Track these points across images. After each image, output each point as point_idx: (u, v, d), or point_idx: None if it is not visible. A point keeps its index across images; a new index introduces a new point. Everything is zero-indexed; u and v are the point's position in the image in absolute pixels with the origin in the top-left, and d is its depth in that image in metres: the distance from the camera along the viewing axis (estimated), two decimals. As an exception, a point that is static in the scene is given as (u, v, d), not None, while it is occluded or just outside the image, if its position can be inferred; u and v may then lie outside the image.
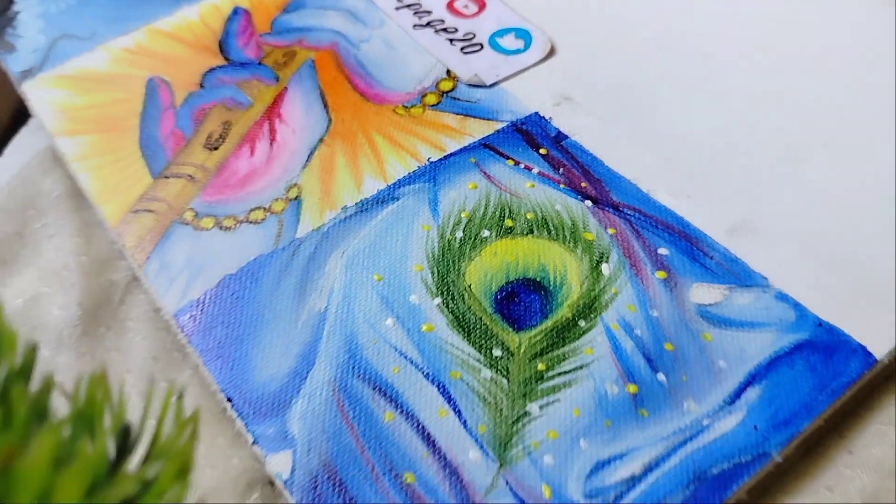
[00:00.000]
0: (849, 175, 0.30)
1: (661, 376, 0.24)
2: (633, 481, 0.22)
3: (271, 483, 0.24)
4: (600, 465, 0.23)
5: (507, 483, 0.23)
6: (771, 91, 0.33)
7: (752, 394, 0.24)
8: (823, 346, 0.25)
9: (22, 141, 0.35)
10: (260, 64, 0.35)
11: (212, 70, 0.35)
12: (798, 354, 0.25)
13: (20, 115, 0.38)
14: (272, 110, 0.33)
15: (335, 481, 0.23)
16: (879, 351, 0.25)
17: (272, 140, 0.32)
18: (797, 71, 0.33)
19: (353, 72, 0.35)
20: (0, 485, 0.13)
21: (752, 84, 0.33)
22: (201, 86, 0.35)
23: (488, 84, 0.34)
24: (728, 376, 0.24)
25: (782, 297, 0.26)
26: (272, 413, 0.24)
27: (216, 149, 0.32)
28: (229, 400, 0.25)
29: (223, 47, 0.36)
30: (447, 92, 0.34)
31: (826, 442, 0.24)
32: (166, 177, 0.31)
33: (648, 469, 0.23)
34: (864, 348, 0.25)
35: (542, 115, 0.32)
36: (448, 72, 0.34)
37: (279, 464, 0.23)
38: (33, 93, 0.35)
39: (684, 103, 0.33)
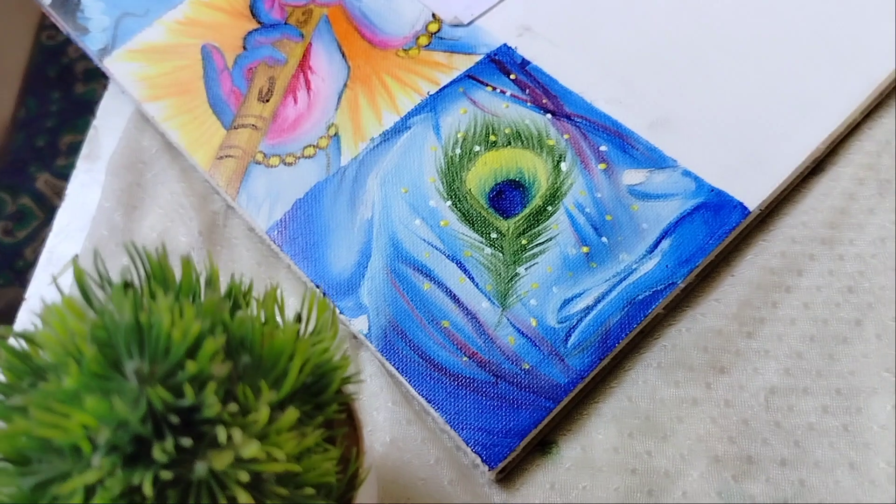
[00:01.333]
0: (737, 72, 0.40)
1: (604, 239, 0.36)
2: (587, 310, 0.35)
3: (354, 336, 0.37)
4: (566, 302, 0.35)
5: (507, 320, 0.35)
6: (685, 9, 0.42)
7: (665, 244, 0.36)
8: (714, 205, 0.36)
9: (109, 105, 0.45)
10: (286, 24, 0.45)
11: (250, 33, 0.45)
12: (696, 213, 0.36)
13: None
14: (304, 64, 0.43)
15: (398, 331, 0.35)
16: (752, 204, 0.36)
17: (308, 89, 0.42)
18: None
19: (359, 23, 0.44)
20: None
21: (671, 4, 0.43)
22: (244, 48, 0.44)
23: (466, 23, 0.43)
24: (649, 234, 0.36)
25: (687, 173, 0.37)
26: (349, 291, 0.36)
27: (268, 101, 0.42)
28: (318, 286, 0.37)
29: (253, 12, 0.46)
30: (435, 33, 0.43)
31: (717, 271, 0.36)
32: (235, 127, 0.42)
33: (597, 301, 0.35)
34: (741, 204, 0.36)
35: (509, 45, 0.42)
36: (433, 14, 0.44)
37: (359, 324, 0.36)
38: (114, 67, 0.45)
39: (618, 26, 0.43)
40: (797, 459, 0.32)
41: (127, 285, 0.20)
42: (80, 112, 1.16)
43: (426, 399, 0.34)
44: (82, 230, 0.42)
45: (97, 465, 0.18)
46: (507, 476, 0.33)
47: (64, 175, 1.09)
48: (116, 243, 0.39)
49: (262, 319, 0.23)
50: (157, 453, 0.19)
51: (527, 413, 0.33)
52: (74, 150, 1.10)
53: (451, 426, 0.33)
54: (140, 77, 0.44)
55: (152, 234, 0.39)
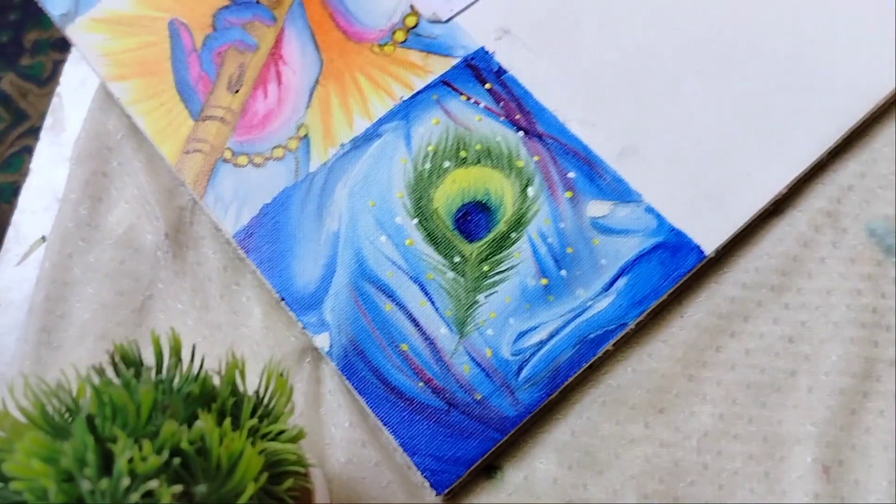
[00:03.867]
0: (712, 103, 0.40)
1: (563, 272, 0.37)
2: (541, 344, 0.36)
3: (314, 348, 0.38)
4: (522, 334, 0.37)
5: (464, 348, 0.36)
6: (667, 27, 0.42)
7: (621, 282, 0.37)
8: (672, 246, 0.37)
9: (72, 71, 0.44)
10: (258, 3, 0.43)
11: (220, 10, 0.43)
12: (654, 253, 0.37)
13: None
14: (275, 52, 0.42)
15: (358, 351, 0.37)
16: (709, 248, 0.37)
17: (279, 82, 0.41)
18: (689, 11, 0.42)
19: (334, 9, 0.43)
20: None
21: (650, 23, 0.42)
22: (214, 28, 0.43)
23: (444, 20, 0.42)
24: (606, 270, 0.37)
25: (649, 209, 0.38)
26: (312, 306, 0.37)
27: (237, 91, 0.41)
28: (282, 298, 0.38)
29: (225, -14, 0.44)
30: (412, 28, 0.42)
31: (668, 309, 0.38)
32: (203, 119, 0.41)
33: (551, 336, 0.36)
34: (699, 247, 0.37)
35: (487, 49, 0.41)
36: (412, 6, 0.42)
37: (321, 341, 0.37)
38: (77, 37, 0.43)
39: (598, 36, 0.42)
40: (719, 501, 0.35)
41: (90, 419, 0.21)
42: None
43: (382, 421, 0.36)
44: (48, 209, 0.42)
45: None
46: (454, 497, 0.36)
47: (31, 76, 1.05)
48: (83, 237, 0.39)
49: (219, 435, 0.24)
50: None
51: (475, 443, 0.35)
52: (41, 48, 1.06)
53: (403, 450, 0.35)
54: (104, 51, 0.42)
55: (118, 229, 0.40)
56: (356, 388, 0.36)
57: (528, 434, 0.36)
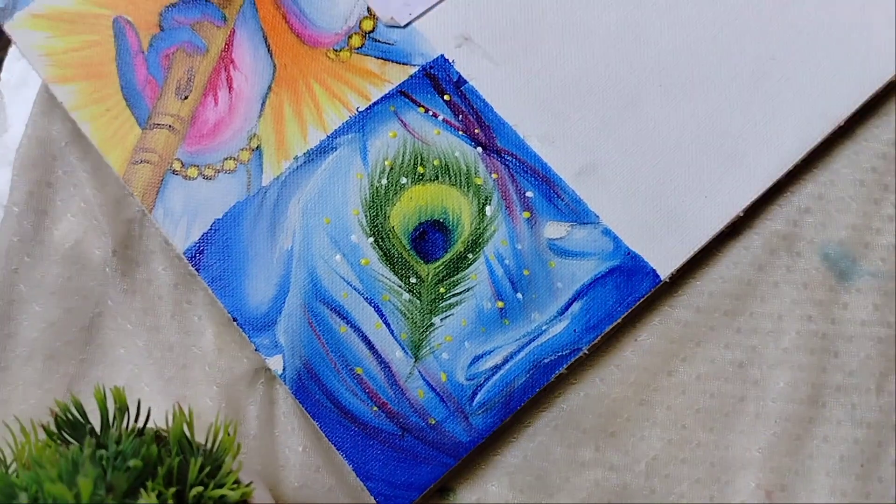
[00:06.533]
0: (672, 120, 0.39)
1: (519, 295, 0.37)
2: (495, 369, 0.36)
3: (268, 369, 0.38)
4: (477, 358, 0.37)
5: (419, 372, 0.36)
6: (629, 40, 0.40)
7: (576, 307, 0.37)
8: (627, 270, 0.37)
9: (14, 67, 0.42)
10: (207, 1, 0.41)
11: (167, 8, 0.41)
12: (610, 277, 0.37)
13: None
14: (226, 56, 0.40)
15: (312, 374, 0.36)
16: (665, 272, 0.37)
17: (230, 89, 0.40)
18: (657, 22, 0.41)
19: (288, 9, 0.41)
20: None
21: (615, 38, 0.41)
22: (160, 27, 0.41)
23: (402, 24, 0.40)
24: (562, 294, 0.37)
25: (606, 231, 0.38)
26: (265, 328, 0.37)
27: (186, 98, 0.40)
28: (234, 319, 0.37)
29: (172, -18, 0.41)
30: (369, 32, 0.40)
31: (622, 331, 0.38)
32: (151, 127, 0.39)
33: (506, 360, 0.36)
34: (654, 271, 0.37)
35: (446, 57, 0.40)
36: (369, 9, 0.41)
37: (275, 363, 0.37)
38: (17, 34, 0.41)
39: (559, 46, 0.40)
40: (665, 525, 0.36)
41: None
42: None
43: (335, 446, 0.36)
44: (-9, 215, 0.40)
45: None
46: (407, 519, 0.36)
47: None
48: (28, 253, 0.38)
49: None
50: None
51: (428, 468, 0.35)
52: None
53: (356, 474, 0.35)
54: (46, 51, 0.40)
55: (65, 244, 0.38)
56: (309, 412, 0.36)
57: (481, 457, 0.37)
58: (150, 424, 0.29)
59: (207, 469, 0.26)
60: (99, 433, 0.26)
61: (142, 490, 0.23)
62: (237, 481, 0.27)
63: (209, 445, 0.27)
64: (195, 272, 0.38)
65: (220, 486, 0.26)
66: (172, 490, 0.24)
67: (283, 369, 0.37)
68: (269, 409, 0.37)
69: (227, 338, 0.38)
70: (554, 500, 0.36)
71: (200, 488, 0.25)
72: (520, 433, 0.37)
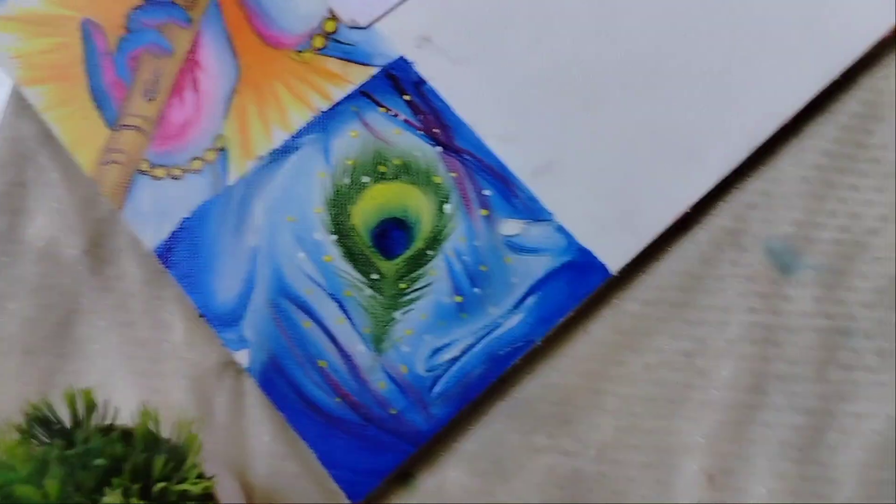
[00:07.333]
0: (626, 118, 0.41)
1: (477, 290, 0.39)
2: (453, 361, 0.38)
3: (234, 362, 0.39)
4: (436, 351, 0.38)
5: (381, 365, 0.38)
6: (585, 42, 0.42)
7: (530, 301, 0.39)
8: (579, 265, 0.39)
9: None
10: (173, 3, 0.42)
11: (133, 10, 0.42)
12: (562, 272, 0.39)
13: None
14: (191, 57, 0.41)
15: (278, 368, 0.38)
16: (615, 267, 0.39)
17: (196, 90, 0.41)
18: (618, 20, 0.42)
19: (251, 11, 0.42)
20: None
21: (573, 39, 0.42)
22: (127, 29, 0.41)
23: (364, 25, 0.41)
24: (517, 289, 0.39)
25: (559, 228, 0.39)
26: (232, 323, 0.38)
27: (153, 99, 0.41)
28: (203, 315, 0.39)
29: (137, -16, 0.42)
30: (331, 33, 0.41)
31: (574, 324, 0.39)
32: (119, 128, 0.40)
33: (463, 352, 0.38)
34: (604, 267, 0.39)
35: (406, 58, 0.41)
36: (331, 10, 0.42)
37: (242, 357, 0.38)
38: (-15, 36, 0.42)
39: (518, 48, 0.42)
40: (614, 507, 0.38)
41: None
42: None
43: (300, 436, 0.37)
44: (-34, 214, 0.41)
45: None
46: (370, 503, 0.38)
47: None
48: (4, 252, 0.39)
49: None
50: None
51: (389, 455, 0.37)
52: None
53: (321, 462, 0.37)
54: (16, 53, 0.41)
55: (39, 243, 0.40)
56: (275, 404, 0.38)
57: (440, 444, 0.38)
58: (122, 421, 0.31)
59: (171, 464, 0.28)
60: (70, 432, 0.28)
61: (106, 488, 0.25)
62: (200, 475, 0.29)
63: (174, 441, 0.29)
64: (165, 269, 0.39)
65: (183, 480, 0.27)
66: (138, 486, 0.26)
67: (250, 363, 0.38)
68: (237, 401, 0.39)
69: (197, 332, 0.39)
70: (509, 485, 0.38)
71: (163, 483, 0.26)
72: (477, 421, 0.39)
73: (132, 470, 0.27)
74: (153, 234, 0.39)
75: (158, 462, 0.27)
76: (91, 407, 0.28)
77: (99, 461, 0.25)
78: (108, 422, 0.30)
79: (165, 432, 0.30)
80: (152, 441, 0.28)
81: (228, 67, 0.41)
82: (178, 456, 0.29)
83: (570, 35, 0.42)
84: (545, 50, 0.42)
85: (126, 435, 0.30)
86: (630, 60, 0.41)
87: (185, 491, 0.27)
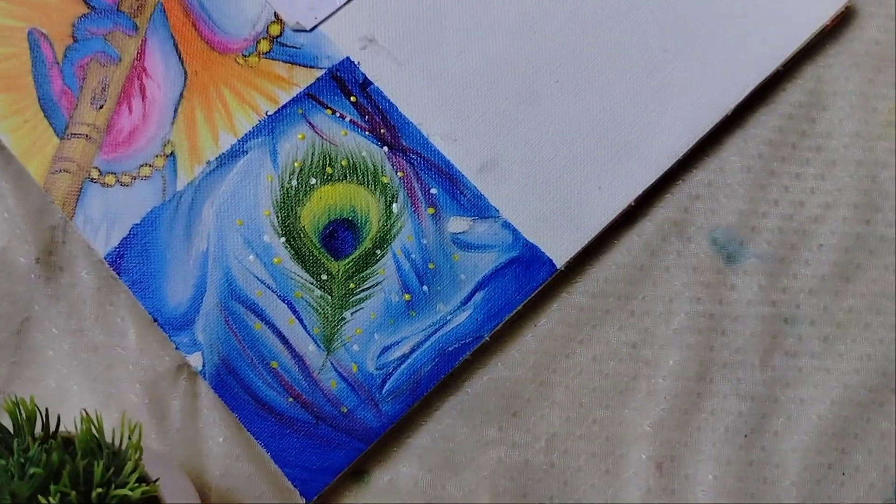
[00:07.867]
0: (568, 115, 0.41)
1: (425, 288, 0.39)
2: (403, 358, 0.39)
3: (187, 366, 0.40)
4: (386, 349, 0.39)
5: (331, 364, 0.39)
6: (527, 38, 0.42)
7: (479, 297, 0.39)
8: (526, 260, 0.39)
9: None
10: (118, 11, 0.42)
11: (80, 19, 0.42)
12: (509, 267, 0.39)
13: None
14: (138, 65, 0.41)
15: (230, 369, 0.39)
16: (561, 261, 0.39)
17: (143, 97, 0.41)
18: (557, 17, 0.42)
19: (197, 16, 0.42)
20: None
21: (514, 35, 0.42)
22: (74, 38, 0.42)
23: (308, 28, 0.42)
24: (465, 285, 0.39)
25: (506, 224, 0.40)
26: (184, 326, 0.39)
27: (101, 107, 0.41)
28: (155, 319, 0.39)
29: (83, -8, 0.42)
30: (276, 37, 0.42)
31: (522, 318, 0.40)
32: (68, 136, 0.41)
33: (413, 350, 0.39)
34: (550, 261, 0.39)
35: (352, 59, 0.41)
36: (275, 14, 0.42)
37: (194, 360, 0.39)
38: (-68, 48, 0.42)
39: (461, 46, 0.42)
40: (564, 497, 0.38)
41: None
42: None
43: (253, 436, 0.38)
44: (-81, 226, 0.42)
45: None
46: (324, 500, 0.39)
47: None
48: (-47, 263, 0.40)
49: None
50: None
51: (342, 453, 0.38)
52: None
53: (274, 461, 0.38)
54: (-38, 64, 0.42)
55: (-10, 252, 0.40)
56: (229, 405, 0.38)
57: (393, 440, 0.39)
58: (65, 429, 0.31)
59: (112, 469, 0.28)
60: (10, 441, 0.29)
61: (39, 496, 0.25)
62: (142, 479, 0.29)
63: (116, 446, 0.30)
64: (116, 276, 0.40)
65: (123, 485, 0.28)
66: (76, 493, 0.26)
67: (203, 365, 0.39)
68: (191, 403, 0.39)
69: (150, 337, 0.40)
70: (460, 477, 0.38)
71: (101, 489, 0.27)
72: (429, 417, 0.39)
73: (71, 476, 0.27)
74: (104, 242, 0.40)
75: (98, 468, 0.28)
76: (31, 416, 0.28)
77: (34, 469, 0.26)
78: (62, 430, 0.30)
79: (111, 437, 0.31)
80: (94, 447, 0.29)
81: (175, 73, 0.41)
82: (120, 461, 0.29)
83: (502, 33, 0.42)
84: (480, 49, 0.42)
85: (68, 442, 0.30)
86: (562, 56, 0.42)
87: (125, 496, 0.27)
